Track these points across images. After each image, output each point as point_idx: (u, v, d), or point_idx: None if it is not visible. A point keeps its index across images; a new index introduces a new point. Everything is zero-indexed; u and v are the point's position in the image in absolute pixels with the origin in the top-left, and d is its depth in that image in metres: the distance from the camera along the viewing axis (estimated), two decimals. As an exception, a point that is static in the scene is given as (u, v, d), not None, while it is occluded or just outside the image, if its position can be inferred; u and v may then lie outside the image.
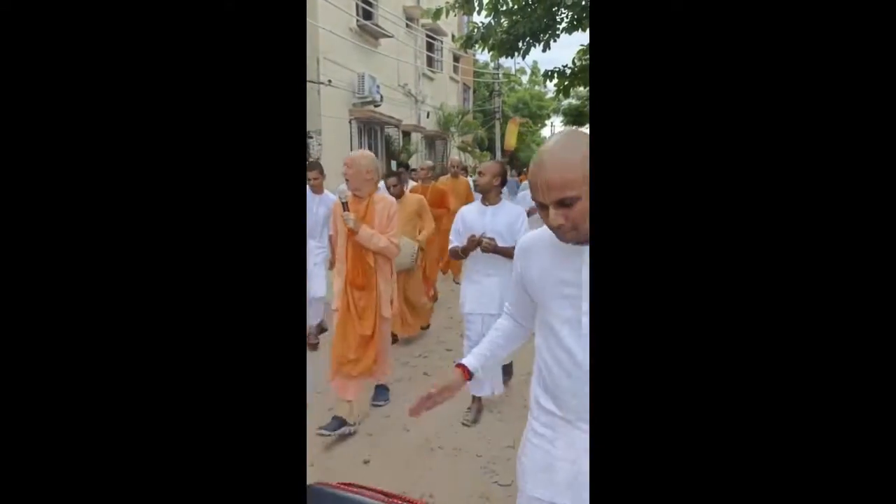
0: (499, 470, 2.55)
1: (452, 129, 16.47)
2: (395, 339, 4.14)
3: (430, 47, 15.75)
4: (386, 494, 0.92)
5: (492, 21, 5.82)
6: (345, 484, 0.99)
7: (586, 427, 1.07)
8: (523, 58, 5.94)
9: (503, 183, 3.02)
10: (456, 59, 18.46)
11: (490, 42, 5.88)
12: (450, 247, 3.03)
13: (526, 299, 1.26)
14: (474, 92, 21.36)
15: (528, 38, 5.59)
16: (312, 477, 2.53)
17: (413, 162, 12.00)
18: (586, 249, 1.06)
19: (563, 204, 0.98)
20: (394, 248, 2.87)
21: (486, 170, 2.99)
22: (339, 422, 2.84)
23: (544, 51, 5.81)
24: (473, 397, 3.09)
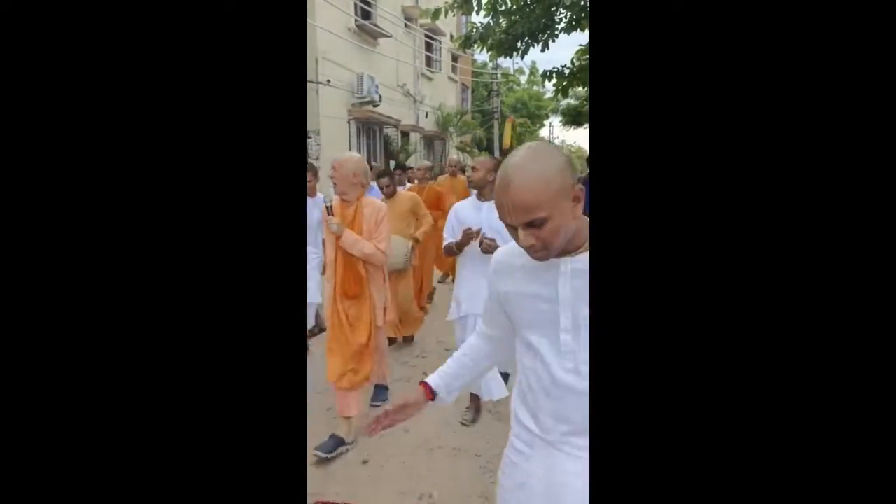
0: (498, 470, 2.55)
1: (451, 129, 16.46)
2: (392, 341, 4.10)
3: (428, 47, 15.74)
4: None
5: (490, 21, 5.82)
6: None
7: (568, 448, 1.04)
8: (522, 58, 5.95)
9: None
10: (454, 59, 18.46)
11: (489, 42, 5.88)
12: (444, 243, 2.91)
13: (502, 318, 1.20)
14: (473, 92, 21.36)
15: (526, 38, 5.59)
16: (312, 477, 2.52)
17: (412, 162, 11.99)
18: (563, 262, 1.02)
19: (532, 225, 0.93)
20: (380, 255, 2.73)
21: (480, 165, 2.88)
22: (337, 441, 2.73)
23: (543, 51, 5.81)
24: (472, 397, 3.08)
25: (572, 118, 16.82)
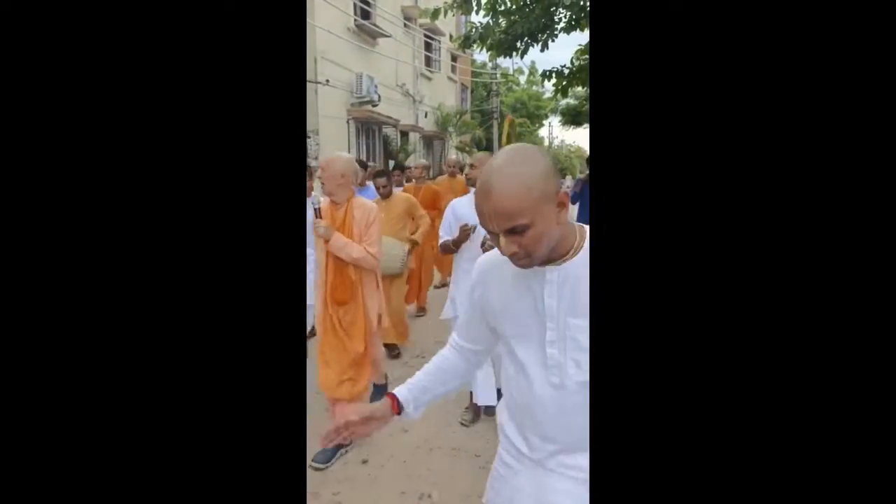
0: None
1: (450, 128, 16.46)
2: (393, 348, 3.99)
3: (428, 47, 15.74)
4: None
5: (490, 21, 5.82)
6: None
7: (556, 466, 1.00)
8: (521, 58, 5.95)
9: None
10: (454, 58, 18.46)
11: (488, 42, 5.88)
12: (440, 241, 2.83)
13: (482, 330, 1.14)
14: (472, 92, 21.36)
15: (526, 38, 5.59)
16: (312, 477, 2.51)
17: (411, 162, 11.99)
18: (549, 270, 0.97)
19: (514, 232, 0.89)
20: (370, 259, 2.58)
21: (479, 162, 2.82)
22: (334, 449, 2.63)
23: (542, 51, 5.81)
24: (472, 396, 3.08)
25: (571, 118, 16.82)
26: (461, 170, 5.52)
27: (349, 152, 10.64)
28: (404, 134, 14.00)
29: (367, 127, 12.09)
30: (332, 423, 1.07)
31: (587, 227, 1.01)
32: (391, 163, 10.49)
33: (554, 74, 6.19)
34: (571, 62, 6.16)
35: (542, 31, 5.54)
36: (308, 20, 9.04)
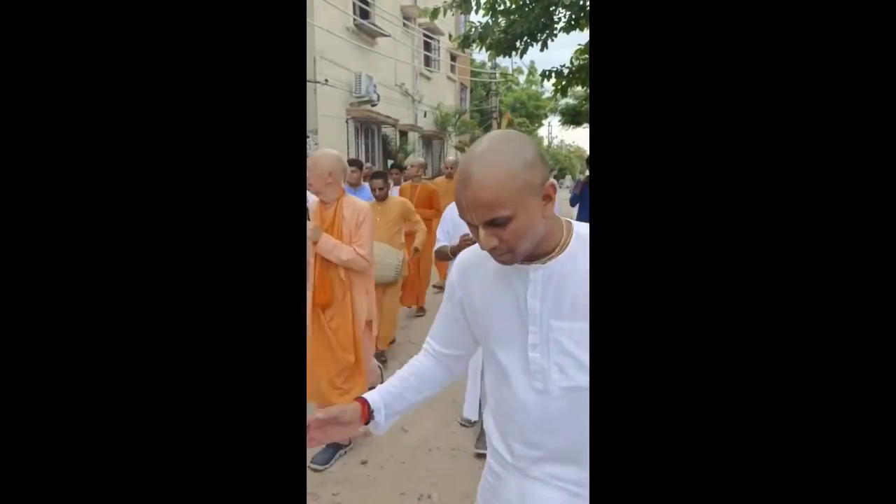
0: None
1: (449, 128, 16.47)
2: (381, 356, 3.87)
3: (427, 47, 15.74)
4: None
5: (489, 20, 5.82)
6: None
7: (541, 475, 0.95)
8: (521, 57, 5.95)
9: None
10: (453, 58, 18.47)
11: (487, 41, 5.88)
12: (436, 246, 2.74)
13: (462, 333, 1.07)
14: (471, 91, 21.38)
15: (525, 38, 5.59)
16: (312, 477, 2.51)
17: (409, 162, 11.99)
18: (533, 269, 0.91)
19: (494, 224, 0.83)
20: (361, 261, 2.47)
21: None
22: (333, 450, 2.61)
23: (542, 50, 5.82)
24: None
25: (571, 118, 16.84)
26: (460, 170, 5.46)
27: (348, 152, 10.65)
28: (403, 134, 14.01)
29: (366, 126, 12.10)
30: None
31: (576, 224, 0.95)
32: (390, 162, 10.50)
33: (553, 74, 6.20)
34: (571, 62, 6.17)
35: (541, 31, 5.54)
36: (307, 20, 9.03)
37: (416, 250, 4.10)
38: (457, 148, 16.35)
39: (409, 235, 4.13)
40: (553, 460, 0.94)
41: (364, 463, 2.65)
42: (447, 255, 2.68)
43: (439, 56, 16.71)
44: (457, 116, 16.90)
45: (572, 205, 5.32)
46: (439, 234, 2.81)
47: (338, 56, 10.48)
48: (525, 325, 0.93)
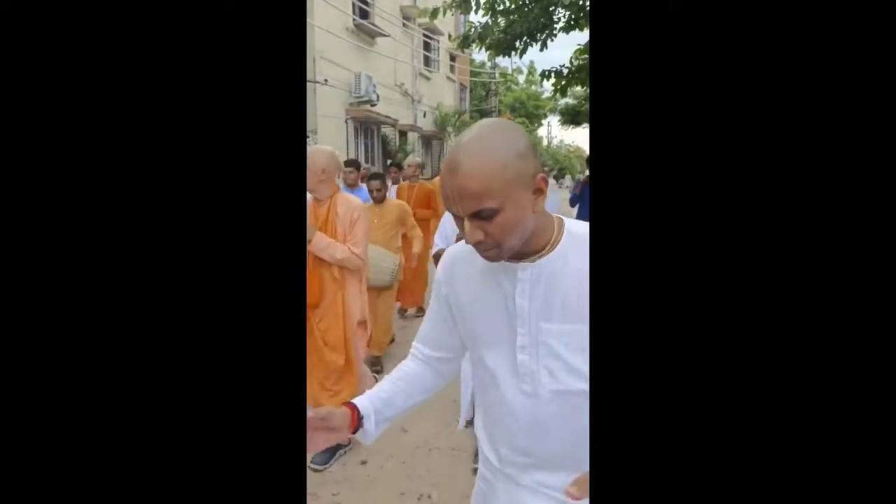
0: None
1: (449, 128, 16.47)
2: (376, 363, 3.75)
3: (426, 47, 15.75)
4: None
5: (489, 20, 5.82)
6: None
7: (530, 482, 0.92)
8: (520, 57, 5.95)
9: None
10: (452, 58, 18.47)
11: (487, 41, 5.88)
12: (434, 250, 2.70)
13: (451, 334, 1.02)
14: (471, 91, 21.39)
15: (525, 38, 5.59)
16: (311, 477, 2.51)
17: (407, 162, 11.99)
18: (521, 267, 0.87)
19: (480, 216, 0.78)
20: (356, 260, 2.40)
21: None
22: (332, 450, 2.57)
23: (541, 50, 5.82)
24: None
25: (570, 118, 16.84)
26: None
27: (347, 152, 10.65)
28: (403, 134, 14.01)
29: (366, 126, 12.09)
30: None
31: (568, 221, 0.91)
32: (388, 162, 10.50)
33: (553, 74, 6.20)
34: (570, 62, 6.17)
35: (540, 31, 5.54)
36: (307, 20, 9.03)
37: (417, 256, 4.06)
38: (456, 148, 16.32)
39: (406, 238, 4.11)
40: (542, 467, 0.91)
41: (364, 463, 2.65)
42: None
43: (439, 56, 16.71)
44: (456, 116, 16.91)
45: (572, 205, 5.32)
46: (437, 238, 2.78)
47: (337, 56, 10.48)
48: (513, 325, 0.89)
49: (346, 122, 11.11)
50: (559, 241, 0.88)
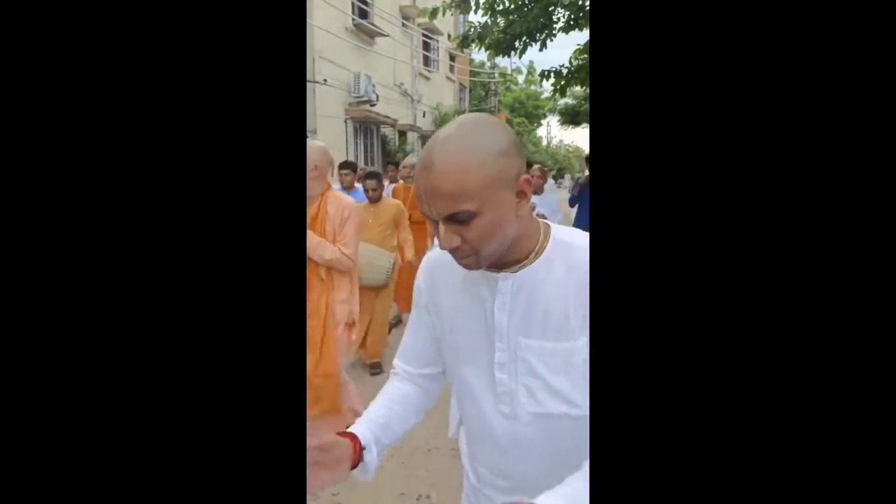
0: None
1: (448, 128, 16.43)
2: (376, 367, 3.69)
3: (426, 46, 15.75)
4: None
5: (488, 20, 5.82)
6: None
7: None
8: (520, 57, 5.96)
9: None
10: (452, 58, 18.48)
11: (486, 41, 5.89)
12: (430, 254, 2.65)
13: (434, 345, 0.94)
14: (470, 91, 21.40)
15: (524, 38, 5.60)
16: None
17: (407, 162, 11.99)
18: (502, 277, 0.80)
19: (456, 220, 0.71)
20: (345, 260, 2.31)
21: None
22: None
23: (541, 50, 5.82)
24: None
25: (570, 118, 16.85)
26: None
27: (347, 152, 10.65)
28: (402, 133, 14.01)
29: (365, 126, 12.10)
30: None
31: (555, 227, 0.84)
32: (387, 161, 10.51)
33: (552, 74, 6.21)
34: (570, 62, 6.18)
35: (540, 31, 5.54)
36: (306, 19, 9.03)
37: (410, 264, 4.00)
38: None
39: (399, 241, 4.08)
40: (521, 492, 0.83)
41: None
42: None
43: (438, 56, 16.71)
44: (456, 116, 16.88)
45: (571, 205, 5.32)
46: (436, 239, 2.74)
47: (337, 56, 10.48)
48: (492, 340, 0.81)
49: (345, 122, 11.11)
50: (544, 248, 0.80)
